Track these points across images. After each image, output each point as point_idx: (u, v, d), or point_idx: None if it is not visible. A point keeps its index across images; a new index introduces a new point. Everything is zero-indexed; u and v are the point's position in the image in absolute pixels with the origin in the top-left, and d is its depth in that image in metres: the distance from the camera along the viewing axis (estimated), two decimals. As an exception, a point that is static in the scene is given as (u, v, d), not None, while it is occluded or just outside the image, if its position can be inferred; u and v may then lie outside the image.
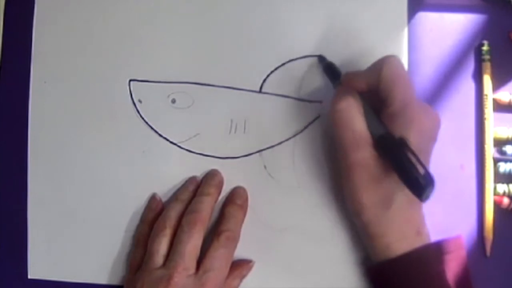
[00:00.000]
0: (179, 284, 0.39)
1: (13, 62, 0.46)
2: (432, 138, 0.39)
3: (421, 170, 0.36)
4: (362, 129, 0.39)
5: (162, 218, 0.42)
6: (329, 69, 0.43)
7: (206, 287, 0.39)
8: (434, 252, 0.39)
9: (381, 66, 0.39)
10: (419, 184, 0.36)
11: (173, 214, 0.42)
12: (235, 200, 0.44)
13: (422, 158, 0.36)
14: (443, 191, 0.41)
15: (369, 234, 0.40)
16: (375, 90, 0.39)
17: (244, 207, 0.44)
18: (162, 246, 0.41)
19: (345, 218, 0.44)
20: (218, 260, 0.40)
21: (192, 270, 0.40)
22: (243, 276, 0.43)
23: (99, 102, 0.45)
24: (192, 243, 0.40)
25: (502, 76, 0.44)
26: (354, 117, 0.39)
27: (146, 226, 0.44)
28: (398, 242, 0.39)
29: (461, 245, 0.40)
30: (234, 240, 0.42)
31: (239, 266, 0.43)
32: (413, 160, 0.36)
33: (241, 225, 0.43)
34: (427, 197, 0.36)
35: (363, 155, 0.38)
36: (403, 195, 0.38)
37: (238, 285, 0.43)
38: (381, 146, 0.38)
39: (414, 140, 0.37)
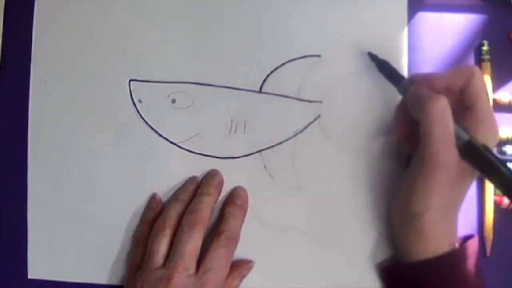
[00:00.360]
0: (179, 284, 0.39)
1: (13, 62, 0.46)
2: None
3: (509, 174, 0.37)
4: (452, 130, 0.38)
5: (162, 218, 0.42)
6: (386, 68, 0.42)
7: (206, 287, 0.39)
8: (459, 255, 0.39)
9: (471, 72, 0.39)
10: None
11: (173, 214, 0.42)
12: (235, 200, 0.43)
13: None
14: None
15: (423, 236, 0.39)
16: (453, 94, 0.39)
17: (244, 207, 0.44)
18: (162, 246, 0.41)
19: (345, 218, 0.44)
20: (218, 260, 0.41)
21: (192, 270, 0.40)
22: (243, 276, 0.43)
23: (99, 102, 0.45)
24: (192, 243, 0.40)
25: (502, 76, 0.44)
26: (450, 115, 0.38)
27: (146, 226, 0.44)
28: (446, 247, 0.39)
29: (477, 247, 0.41)
30: (234, 240, 0.42)
31: (239, 266, 0.43)
32: (499, 165, 0.37)
33: (241, 225, 0.43)
34: None
35: (451, 154, 0.38)
36: (461, 203, 0.39)
37: (238, 285, 0.43)
38: (467, 150, 0.38)
39: (491, 147, 0.38)
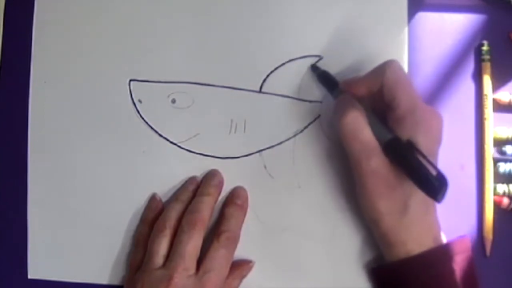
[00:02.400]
0: (179, 285, 0.39)
1: (13, 62, 0.46)
2: (438, 140, 0.39)
3: (433, 171, 0.36)
4: (370, 138, 0.38)
5: (162, 219, 0.42)
6: (325, 78, 0.43)
7: (206, 287, 0.39)
8: (443, 253, 0.39)
9: (383, 70, 0.39)
10: (433, 185, 0.36)
11: (173, 215, 0.42)
12: (235, 200, 0.43)
13: (431, 160, 0.37)
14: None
15: (389, 242, 0.39)
16: (377, 95, 0.39)
17: (244, 207, 0.44)
18: (162, 246, 0.41)
19: (345, 218, 0.44)
20: (219, 261, 0.41)
21: (192, 270, 0.40)
22: (243, 276, 0.43)
23: (99, 102, 0.45)
24: (192, 244, 0.40)
25: (502, 76, 0.44)
26: (360, 127, 0.39)
27: (146, 226, 0.44)
28: (417, 249, 0.39)
29: (468, 246, 0.40)
30: (234, 240, 0.42)
31: (239, 266, 0.43)
32: (424, 162, 0.36)
33: (241, 225, 0.43)
34: (442, 198, 0.36)
35: (375, 163, 0.38)
36: (418, 200, 0.38)
37: (238, 285, 0.43)
38: (389, 151, 0.38)
39: (422, 142, 0.37)
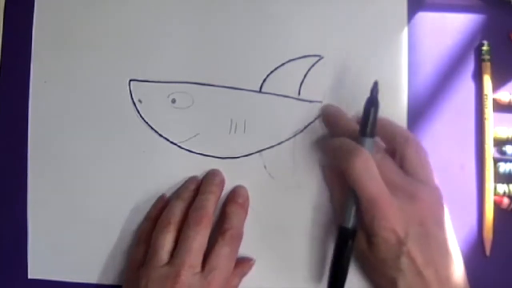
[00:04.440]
0: (186, 282, 0.39)
1: (13, 62, 0.46)
2: (422, 223, 0.38)
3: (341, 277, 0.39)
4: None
5: (165, 215, 0.42)
6: (371, 114, 0.39)
7: (212, 285, 0.39)
8: None
9: (403, 146, 0.40)
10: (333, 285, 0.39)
11: (176, 211, 0.42)
12: (236, 199, 0.43)
13: (427, 242, 0.37)
14: (443, 191, 0.41)
15: None
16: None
17: (245, 206, 0.44)
18: (167, 241, 0.41)
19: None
20: (224, 258, 0.40)
21: (198, 268, 0.40)
22: (244, 274, 0.43)
23: (99, 102, 0.45)
24: (199, 240, 0.40)
25: (502, 76, 0.44)
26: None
27: (149, 223, 0.43)
28: None
29: None
30: (238, 238, 0.42)
31: (240, 264, 0.43)
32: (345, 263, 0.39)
33: (243, 224, 0.43)
34: None
35: (358, 248, 0.39)
36: (406, 281, 0.38)
37: (239, 283, 0.43)
38: (338, 236, 0.39)
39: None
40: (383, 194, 0.37)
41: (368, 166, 0.37)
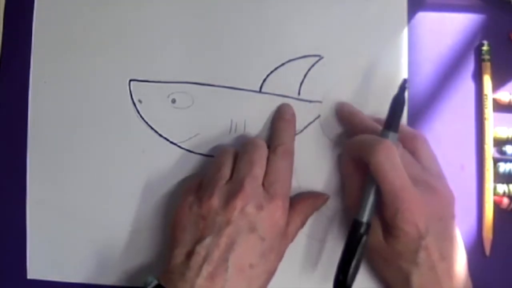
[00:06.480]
0: (250, 193, 0.38)
1: (13, 62, 0.46)
2: (441, 218, 0.38)
3: (353, 273, 0.38)
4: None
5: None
6: (397, 108, 0.40)
7: (275, 198, 0.39)
8: None
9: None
10: (342, 282, 0.38)
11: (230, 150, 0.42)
12: (284, 115, 0.43)
13: (444, 237, 0.38)
14: (443, 191, 0.41)
15: None
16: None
17: (293, 122, 0.44)
18: (228, 158, 0.40)
19: (345, 218, 0.44)
20: (281, 172, 0.40)
21: (261, 179, 0.39)
22: (315, 209, 0.42)
23: (99, 102, 0.45)
24: (258, 153, 0.40)
25: (502, 76, 0.44)
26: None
27: (197, 179, 0.42)
28: None
29: None
30: (290, 153, 0.42)
31: (312, 196, 0.43)
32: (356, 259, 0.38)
33: (293, 139, 0.43)
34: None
35: (372, 240, 0.39)
36: (419, 275, 0.37)
37: (305, 221, 0.42)
38: (352, 229, 0.39)
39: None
40: (407, 186, 0.37)
41: (392, 157, 0.37)
